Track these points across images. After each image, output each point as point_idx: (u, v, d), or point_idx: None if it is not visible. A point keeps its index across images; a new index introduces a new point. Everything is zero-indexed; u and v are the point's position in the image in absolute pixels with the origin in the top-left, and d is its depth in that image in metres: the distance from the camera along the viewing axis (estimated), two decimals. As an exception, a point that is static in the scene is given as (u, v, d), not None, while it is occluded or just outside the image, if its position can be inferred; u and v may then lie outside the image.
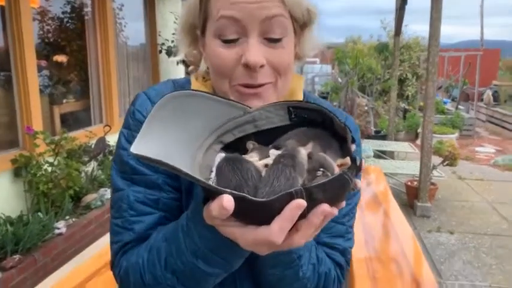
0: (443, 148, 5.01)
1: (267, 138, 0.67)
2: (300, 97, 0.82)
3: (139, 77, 5.64)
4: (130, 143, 0.73)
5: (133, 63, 5.48)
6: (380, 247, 2.14)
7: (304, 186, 0.51)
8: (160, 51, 5.41)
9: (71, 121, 4.37)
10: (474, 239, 4.28)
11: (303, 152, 0.58)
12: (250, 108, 0.67)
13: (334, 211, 0.54)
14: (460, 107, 10.97)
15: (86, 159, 3.85)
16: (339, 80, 10.15)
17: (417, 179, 4.89)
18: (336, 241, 0.81)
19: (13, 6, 3.30)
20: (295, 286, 0.73)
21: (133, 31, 5.49)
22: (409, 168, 5.43)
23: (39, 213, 3.11)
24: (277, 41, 0.69)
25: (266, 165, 0.58)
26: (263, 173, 0.57)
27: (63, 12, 4.26)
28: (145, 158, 0.52)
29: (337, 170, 0.56)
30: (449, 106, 11.27)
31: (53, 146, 3.38)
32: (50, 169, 3.29)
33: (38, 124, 3.50)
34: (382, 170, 3.74)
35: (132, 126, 0.76)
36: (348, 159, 0.58)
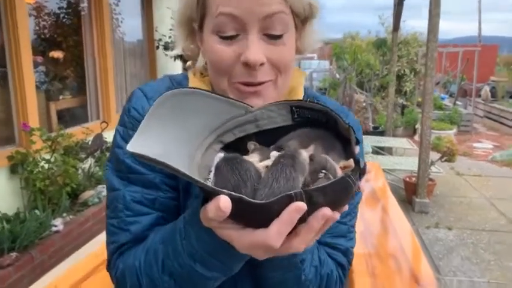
0: (441, 144, 5.01)
1: (268, 138, 0.65)
2: (301, 94, 0.80)
3: (137, 73, 5.62)
4: (126, 141, 0.71)
5: (131, 59, 5.45)
6: (378, 243, 2.13)
7: (305, 188, 0.49)
8: (158, 47, 5.39)
9: (67, 117, 4.35)
10: (472, 235, 4.29)
11: (304, 154, 0.56)
12: (251, 107, 0.65)
13: (336, 215, 0.52)
14: (457, 102, 10.98)
15: (83, 155, 3.83)
16: (337, 75, 10.13)
17: (415, 175, 4.89)
18: (337, 241, 0.79)
19: (8, 2, 3.26)
20: None
21: (130, 27, 5.46)
22: (407, 164, 5.43)
23: (36, 211, 3.09)
24: (277, 37, 0.67)
25: (267, 167, 0.56)
26: (263, 174, 0.55)
27: (59, 8, 4.23)
28: (142, 156, 0.50)
29: (339, 173, 0.54)
30: (447, 102, 11.29)
31: (49, 143, 3.36)
32: (46, 166, 3.28)
33: (34, 121, 3.47)
34: (380, 166, 3.74)
35: (127, 124, 0.74)
36: (351, 162, 0.57)
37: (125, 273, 0.69)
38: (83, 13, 4.46)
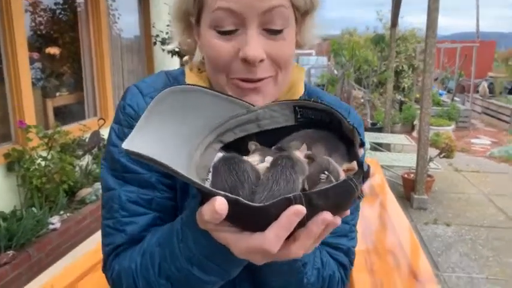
0: (440, 140, 5.00)
1: (270, 138, 0.63)
2: (301, 90, 0.78)
3: (134, 69, 5.58)
4: (121, 139, 0.69)
5: (128, 55, 5.42)
6: (377, 239, 2.13)
7: (304, 191, 0.47)
8: (155, 43, 5.36)
9: (64, 114, 4.31)
10: (471, 231, 4.29)
11: (302, 155, 0.54)
12: (253, 106, 0.63)
13: (337, 220, 0.50)
14: (455, 98, 10.98)
15: (80, 153, 3.81)
16: (335, 72, 10.11)
17: (414, 171, 4.89)
18: (339, 241, 0.77)
19: (3, -2, 3.23)
20: None
21: (127, 23, 5.43)
22: (406, 160, 5.43)
23: (33, 208, 3.08)
24: (277, 32, 0.64)
25: (267, 168, 0.54)
26: (262, 176, 0.53)
27: (55, 4, 4.20)
28: (137, 154, 0.48)
29: (342, 175, 0.52)
30: (445, 98, 11.28)
31: (46, 140, 3.34)
32: (43, 163, 3.25)
33: (30, 118, 3.45)
34: (378, 162, 3.73)
35: (122, 122, 0.72)
36: (354, 164, 0.54)
37: (120, 275, 0.67)
38: (79, 9, 4.43)
